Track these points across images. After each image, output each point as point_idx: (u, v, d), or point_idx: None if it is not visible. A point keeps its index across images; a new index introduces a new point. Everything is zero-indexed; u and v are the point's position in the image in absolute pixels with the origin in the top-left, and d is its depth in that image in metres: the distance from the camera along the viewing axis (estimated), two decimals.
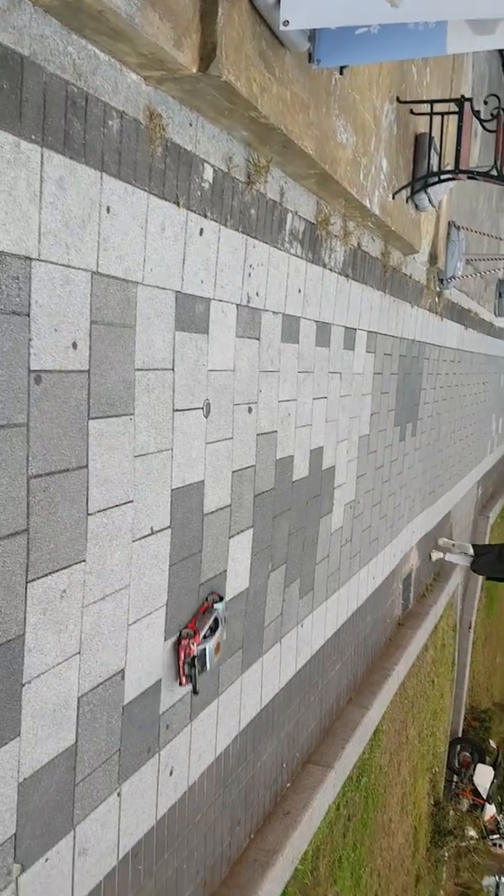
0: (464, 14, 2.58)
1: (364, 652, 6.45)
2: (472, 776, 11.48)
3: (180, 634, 3.18)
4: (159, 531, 2.94)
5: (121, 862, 2.86)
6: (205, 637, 3.24)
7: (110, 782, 2.76)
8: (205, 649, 3.21)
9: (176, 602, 3.12)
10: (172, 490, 3.02)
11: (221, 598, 3.48)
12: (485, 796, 11.56)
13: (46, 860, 2.41)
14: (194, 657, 3.19)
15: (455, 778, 11.47)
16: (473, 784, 11.50)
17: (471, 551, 9.54)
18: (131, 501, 2.72)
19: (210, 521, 3.38)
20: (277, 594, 4.31)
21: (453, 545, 9.82)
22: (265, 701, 4.23)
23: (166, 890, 3.25)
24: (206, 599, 3.40)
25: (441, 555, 9.56)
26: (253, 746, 4.13)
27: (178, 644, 3.16)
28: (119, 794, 2.82)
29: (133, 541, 2.76)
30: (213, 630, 3.31)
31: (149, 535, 2.86)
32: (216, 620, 3.34)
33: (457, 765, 11.60)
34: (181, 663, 3.16)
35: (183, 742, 3.31)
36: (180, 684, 3.19)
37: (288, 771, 4.77)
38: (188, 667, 3.18)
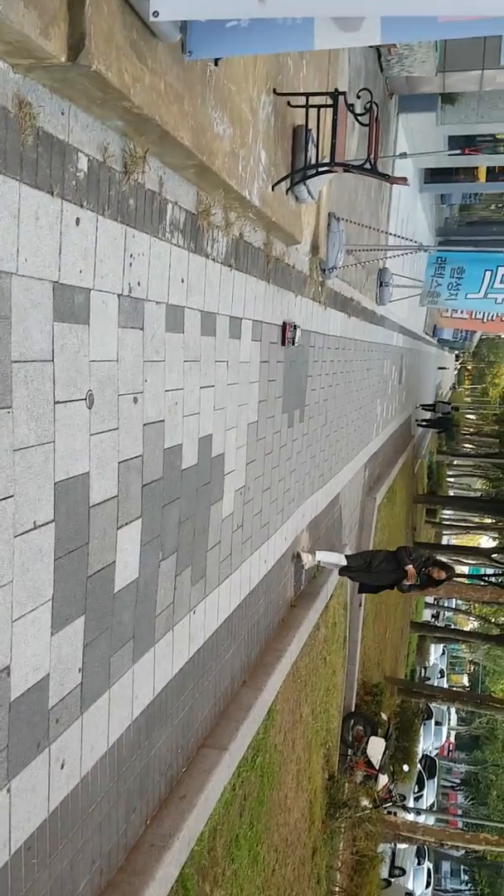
0: (325, 12, 2.66)
1: (257, 634, 6.58)
2: (364, 749, 11.91)
3: (284, 322, 6.54)
4: (42, 525, 2.91)
5: (13, 857, 2.84)
6: (293, 328, 6.63)
7: None
8: (297, 329, 6.67)
9: (63, 596, 3.11)
10: (56, 483, 3.00)
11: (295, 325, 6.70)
12: (377, 767, 12.02)
13: None
14: (295, 326, 6.60)
15: (349, 751, 11.86)
16: (366, 756, 11.93)
17: (342, 561, 8.90)
18: (11, 496, 2.69)
19: (96, 512, 3.37)
20: (169, 582, 4.34)
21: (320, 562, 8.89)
22: (158, 689, 4.27)
23: (62, 880, 3.25)
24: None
25: (309, 557, 8.46)
26: (147, 735, 4.16)
27: (283, 326, 6.48)
28: (8, 791, 2.80)
29: (15, 536, 2.72)
30: (295, 328, 6.63)
31: (31, 529, 2.83)
32: (295, 326, 6.61)
33: (350, 739, 11.99)
34: (285, 333, 6.50)
35: (74, 735, 3.30)
36: (283, 345, 6.56)
37: (183, 756, 4.83)
38: (291, 332, 6.54)
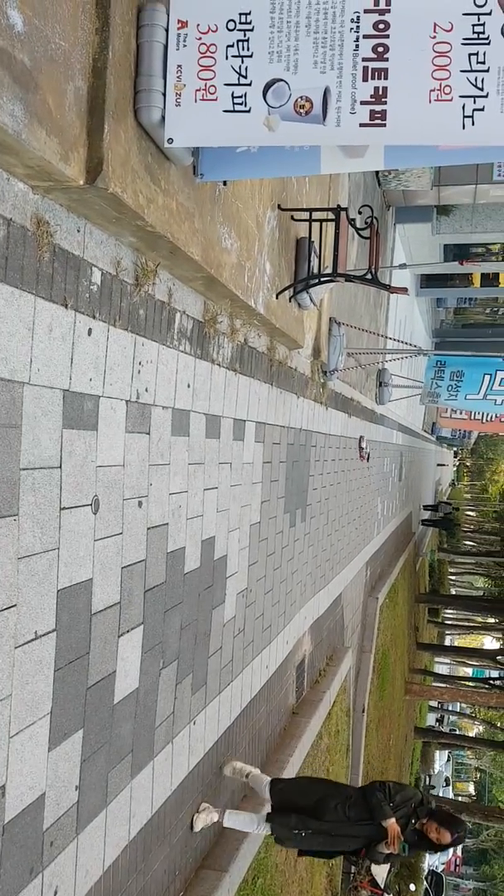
0: (332, 141, 2.80)
1: (258, 745, 6.34)
2: (369, 866, 11.27)
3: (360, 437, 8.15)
4: (44, 635, 2.85)
5: None
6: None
7: None
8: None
9: (61, 709, 3.01)
10: (59, 591, 2.95)
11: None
12: (382, 886, 11.35)
13: None
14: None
15: (353, 869, 11.22)
16: (371, 874, 11.27)
17: (265, 794, 5.26)
18: (14, 606, 2.64)
19: (98, 620, 3.31)
20: (169, 692, 4.22)
21: (247, 776, 5.38)
22: (156, 806, 4.08)
23: None
24: None
25: (212, 816, 4.89)
26: (143, 856, 3.95)
27: (359, 441, 8.32)
28: None
29: (15, 647, 2.66)
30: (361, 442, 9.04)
31: (32, 639, 2.77)
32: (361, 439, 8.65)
33: (354, 855, 11.38)
34: (361, 447, 7.86)
35: (68, 859, 3.13)
36: (362, 459, 8.36)
37: (181, 878, 4.56)
38: (366, 447, 8.67)
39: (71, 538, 3.03)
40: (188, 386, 4.24)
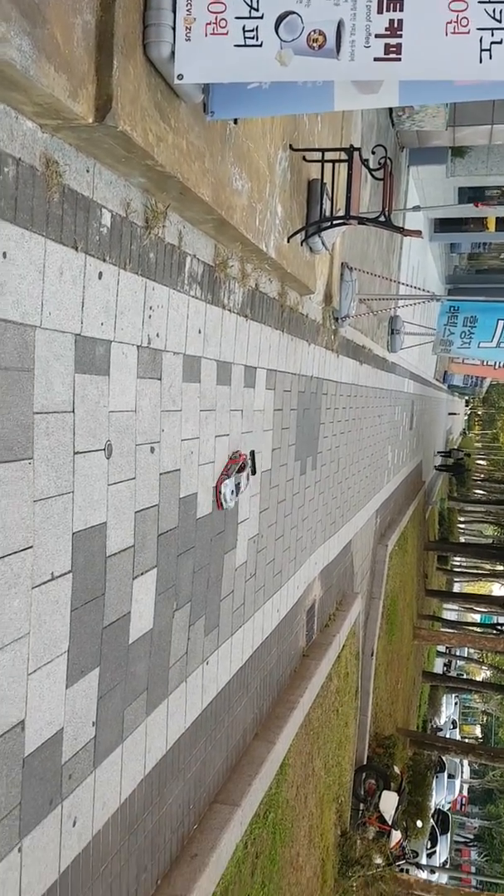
0: (346, 77, 2.72)
1: (269, 685, 6.48)
2: (377, 803, 11.62)
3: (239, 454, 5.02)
4: (60, 576, 2.90)
5: None
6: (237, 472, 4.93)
7: (10, 838, 2.68)
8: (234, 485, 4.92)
9: (78, 648, 3.08)
10: (74, 533, 2.99)
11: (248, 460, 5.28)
12: (390, 822, 11.72)
13: None
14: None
15: (361, 806, 11.58)
16: (379, 811, 11.63)
17: None
18: (31, 547, 2.68)
19: (113, 563, 3.36)
20: (182, 633, 4.30)
21: None
22: (171, 742, 4.19)
23: None
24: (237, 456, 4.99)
25: None
26: (158, 790, 4.08)
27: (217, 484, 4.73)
28: (20, 850, 2.74)
29: (33, 587, 2.71)
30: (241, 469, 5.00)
31: (49, 580, 2.82)
32: (242, 465, 5.02)
33: (362, 793, 11.72)
34: (218, 494, 4.68)
35: (86, 791, 3.24)
36: (218, 509, 4.73)
37: (195, 812, 4.72)
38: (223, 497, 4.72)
39: (85, 482, 3.06)
40: (199, 332, 4.22)
